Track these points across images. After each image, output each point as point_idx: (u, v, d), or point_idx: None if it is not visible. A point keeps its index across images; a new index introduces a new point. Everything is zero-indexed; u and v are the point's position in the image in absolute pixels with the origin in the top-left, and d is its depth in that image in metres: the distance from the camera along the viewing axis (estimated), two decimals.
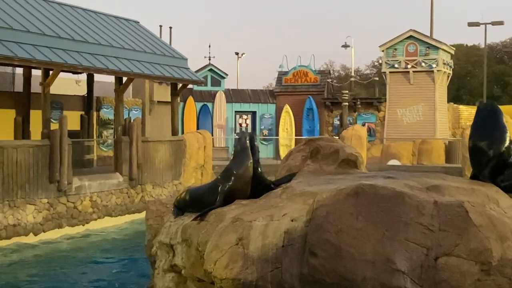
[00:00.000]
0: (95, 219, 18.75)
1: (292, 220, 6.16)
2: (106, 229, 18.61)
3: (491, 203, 6.06)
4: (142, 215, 13.48)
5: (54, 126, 18.49)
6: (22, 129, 20.59)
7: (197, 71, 30.41)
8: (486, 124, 6.65)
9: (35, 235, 16.62)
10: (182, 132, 28.00)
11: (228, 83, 35.28)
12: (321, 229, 5.78)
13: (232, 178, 7.10)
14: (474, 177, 6.91)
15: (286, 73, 34.09)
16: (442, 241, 5.51)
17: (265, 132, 33.50)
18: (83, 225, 18.27)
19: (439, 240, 5.52)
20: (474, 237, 5.50)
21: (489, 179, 6.65)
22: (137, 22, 24.86)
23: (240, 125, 33.63)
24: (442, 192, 6.09)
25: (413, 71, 31.18)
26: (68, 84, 26.25)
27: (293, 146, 27.73)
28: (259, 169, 7.34)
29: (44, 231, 16.89)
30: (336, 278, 5.57)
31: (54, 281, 12.77)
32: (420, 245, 5.52)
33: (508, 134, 6.61)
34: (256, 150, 7.38)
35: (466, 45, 57.30)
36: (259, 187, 7.27)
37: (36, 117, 19.72)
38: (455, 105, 35.71)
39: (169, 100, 24.54)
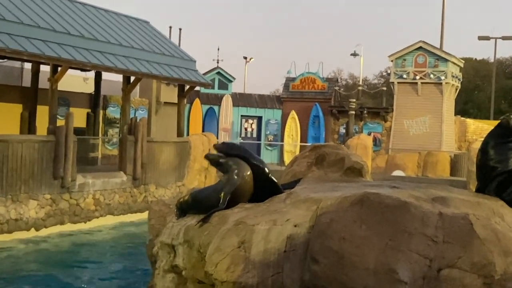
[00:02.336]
0: (97, 217, 18.75)
1: (295, 226, 6.13)
2: (108, 228, 18.61)
3: (496, 217, 6.02)
4: (144, 215, 13.47)
5: (60, 122, 18.51)
6: (28, 124, 20.64)
7: (205, 74, 30.37)
8: (500, 140, 6.62)
9: (37, 230, 16.62)
10: (188, 134, 27.98)
11: (235, 87, 35.28)
12: (324, 236, 5.75)
13: (235, 179, 7.07)
14: (479, 190, 6.87)
15: (293, 79, 34.03)
16: (446, 253, 5.48)
17: (270, 137, 33.42)
18: (85, 223, 18.28)
19: (442, 251, 5.49)
20: (478, 250, 5.46)
21: (494, 194, 6.62)
22: (147, 22, 24.90)
23: (246, 129, 33.58)
24: (447, 203, 6.06)
25: (421, 83, 31.09)
26: (76, 81, 26.26)
27: (297, 152, 27.61)
28: (266, 169, 7.30)
29: (45, 227, 16.90)
30: (337, 286, 5.54)
31: (52, 278, 12.75)
32: (423, 256, 5.48)
33: None
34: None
35: (475, 59, 57.26)
36: (265, 189, 7.23)
37: (42, 112, 19.75)
38: (462, 118, 35.61)
39: (176, 101, 24.55)
